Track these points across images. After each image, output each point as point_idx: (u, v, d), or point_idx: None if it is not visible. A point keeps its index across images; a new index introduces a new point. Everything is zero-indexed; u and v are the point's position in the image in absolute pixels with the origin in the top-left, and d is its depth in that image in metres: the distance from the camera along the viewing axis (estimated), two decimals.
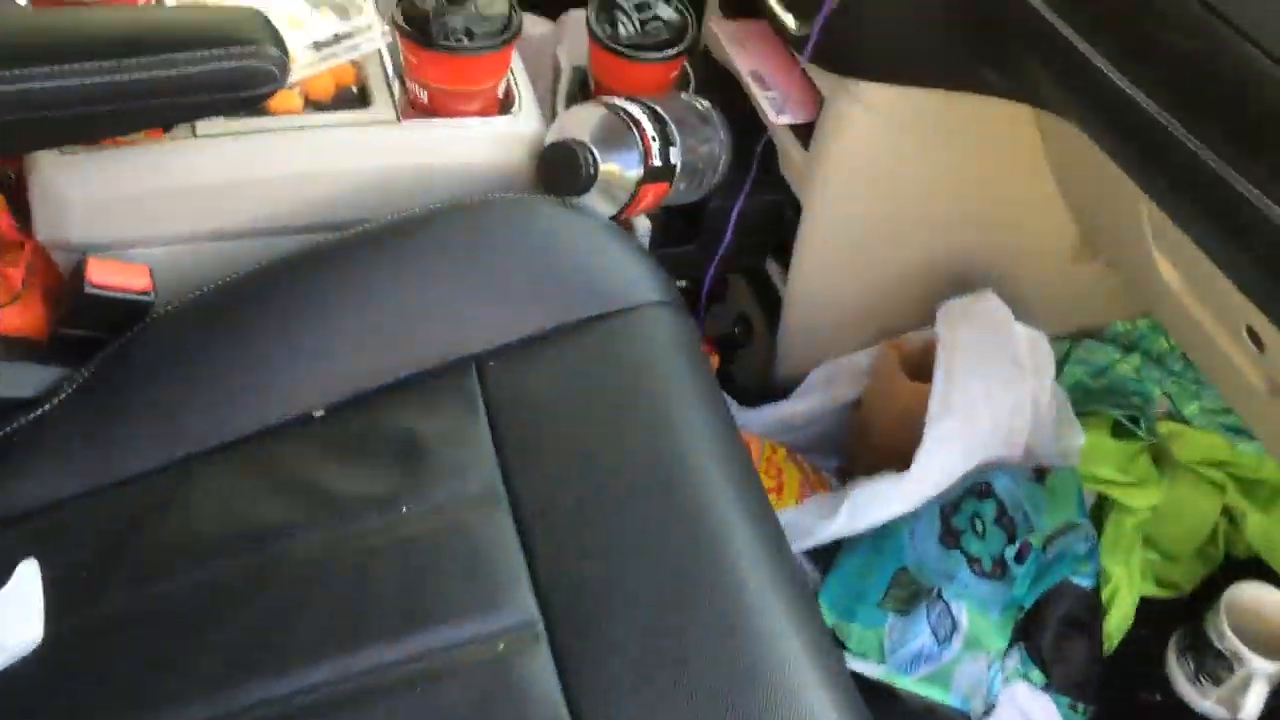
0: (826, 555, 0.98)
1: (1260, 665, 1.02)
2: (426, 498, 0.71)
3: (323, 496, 0.71)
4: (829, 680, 0.63)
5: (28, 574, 0.69)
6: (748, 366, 1.25)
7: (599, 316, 0.81)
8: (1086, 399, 1.16)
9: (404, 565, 0.67)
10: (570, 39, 1.25)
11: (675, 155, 0.95)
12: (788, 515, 0.96)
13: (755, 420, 1.11)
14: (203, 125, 0.87)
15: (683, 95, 1.05)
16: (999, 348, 1.01)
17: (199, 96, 0.73)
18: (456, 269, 0.83)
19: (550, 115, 1.16)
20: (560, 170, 0.89)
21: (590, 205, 0.91)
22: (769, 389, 1.18)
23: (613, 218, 0.93)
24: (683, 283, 1.01)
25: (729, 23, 1.12)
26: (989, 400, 0.96)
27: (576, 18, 1.33)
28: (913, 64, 0.92)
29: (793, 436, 1.13)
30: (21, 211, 0.85)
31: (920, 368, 1.03)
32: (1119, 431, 1.14)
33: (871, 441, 1.08)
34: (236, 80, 0.74)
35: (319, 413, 0.77)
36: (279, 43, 0.76)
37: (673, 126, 0.96)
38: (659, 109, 0.97)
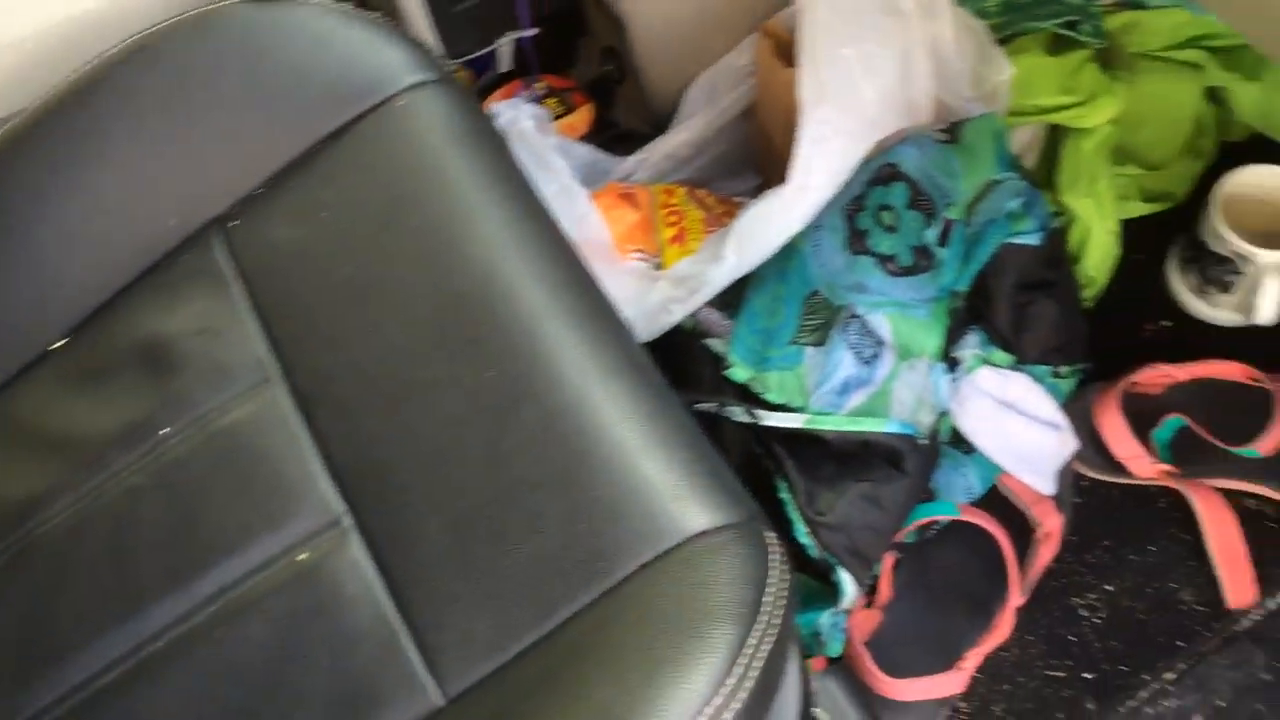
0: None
1: (1266, 259, 0.88)
2: (185, 410, 0.60)
3: (76, 445, 0.60)
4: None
5: None
6: (636, 107, 1.09)
7: (342, 128, 0.65)
8: (1016, 17, 0.98)
9: (170, 500, 0.57)
10: None
11: None
12: (683, 267, 0.83)
13: (641, 165, 0.97)
14: None
15: None
16: None
17: None
18: (160, 123, 0.67)
19: None
20: None
21: None
22: (661, 126, 1.02)
23: None
24: None
25: None
26: (869, 67, 0.79)
27: None
28: None
29: (689, 170, 0.98)
30: None
31: None
32: (1058, 45, 0.96)
33: (774, 151, 0.93)
34: None
35: (58, 344, 0.65)
36: None
37: None
38: None
